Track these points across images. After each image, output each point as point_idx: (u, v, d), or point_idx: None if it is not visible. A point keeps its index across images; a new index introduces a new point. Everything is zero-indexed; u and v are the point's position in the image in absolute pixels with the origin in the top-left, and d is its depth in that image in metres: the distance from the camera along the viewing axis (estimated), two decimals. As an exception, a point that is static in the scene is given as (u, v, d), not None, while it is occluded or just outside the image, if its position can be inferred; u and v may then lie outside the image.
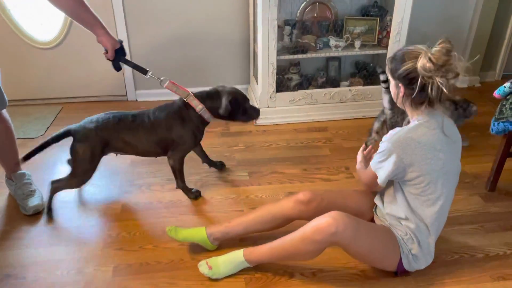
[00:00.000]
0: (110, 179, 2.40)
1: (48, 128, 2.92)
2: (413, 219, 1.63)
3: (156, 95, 3.28)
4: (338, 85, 3.06)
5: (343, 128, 2.92)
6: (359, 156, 1.89)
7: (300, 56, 2.85)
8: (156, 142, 2.11)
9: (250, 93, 3.21)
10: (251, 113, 2.17)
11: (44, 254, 1.89)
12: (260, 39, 2.71)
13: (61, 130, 2.05)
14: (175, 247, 1.92)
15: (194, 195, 2.23)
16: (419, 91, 1.48)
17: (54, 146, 2.05)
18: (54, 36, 3.04)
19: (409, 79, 1.50)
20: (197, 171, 2.44)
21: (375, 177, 1.63)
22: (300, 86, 3.03)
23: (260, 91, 2.87)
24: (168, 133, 2.08)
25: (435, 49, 1.46)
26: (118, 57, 2.03)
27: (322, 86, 3.05)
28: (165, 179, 2.36)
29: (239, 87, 3.57)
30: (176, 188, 2.24)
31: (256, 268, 1.77)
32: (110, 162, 2.46)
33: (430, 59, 1.44)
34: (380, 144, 1.60)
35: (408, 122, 1.64)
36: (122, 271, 1.81)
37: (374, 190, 1.78)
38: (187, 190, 2.24)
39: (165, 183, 2.35)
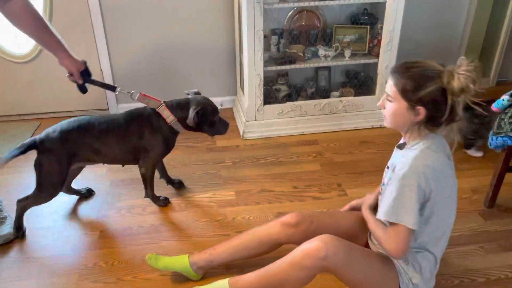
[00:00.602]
0: (88, 201, 2.26)
1: (24, 146, 2.77)
2: (413, 246, 1.51)
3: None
4: (328, 96, 2.95)
5: (334, 140, 2.80)
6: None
7: (288, 67, 2.74)
8: (128, 150, 2.04)
9: (237, 104, 3.09)
10: (218, 128, 2.10)
11: (14, 289, 1.75)
12: (245, 50, 2.59)
13: (26, 142, 1.90)
14: (156, 278, 1.78)
15: (163, 203, 2.21)
16: (449, 112, 1.34)
17: (29, 166, 1.92)
18: (30, 49, 2.89)
19: (436, 102, 1.34)
20: (180, 192, 2.31)
21: (402, 230, 1.38)
22: (289, 98, 2.91)
23: (247, 103, 2.75)
24: (139, 141, 2.01)
25: (466, 68, 1.30)
26: (83, 78, 1.92)
27: (311, 97, 2.94)
28: (147, 201, 2.23)
29: (226, 98, 3.56)
30: (145, 197, 2.19)
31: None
32: (88, 183, 2.33)
33: (465, 79, 1.29)
34: (387, 189, 1.44)
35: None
36: (98, 306, 1.67)
37: (406, 250, 1.42)
38: (155, 199, 2.21)
39: (147, 205, 2.22)
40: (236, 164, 2.57)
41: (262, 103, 2.76)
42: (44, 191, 1.95)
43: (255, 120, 2.80)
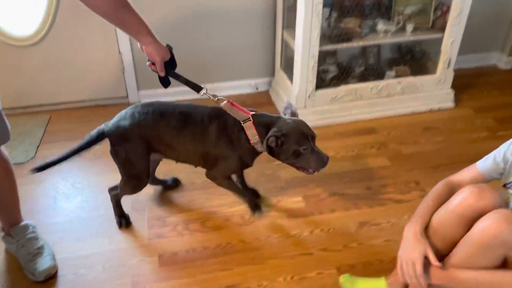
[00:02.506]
0: (134, 215, 1.91)
1: (38, 147, 2.36)
2: None
3: (163, 95, 2.73)
4: (382, 76, 2.62)
5: (393, 127, 2.50)
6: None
7: (344, 45, 2.38)
8: (202, 155, 1.69)
9: (276, 88, 2.73)
10: (308, 162, 1.61)
11: None
12: (300, 27, 2.21)
13: (93, 132, 1.70)
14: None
15: (258, 210, 1.86)
16: None
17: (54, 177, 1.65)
18: (36, 30, 2.41)
19: None
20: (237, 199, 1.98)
21: None
22: (337, 79, 2.57)
23: (297, 89, 2.40)
24: (213, 149, 1.65)
25: None
26: (167, 70, 1.54)
27: (361, 77, 2.60)
28: (205, 213, 1.90)
29: (261, 80, 3.06)
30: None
31: None
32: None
33: None
34: None
35: None
36: None
37: None
38: (250, 204, 1.86)
39: (204, 218, 1.90)
40: (292, 161, 2.25)
41: (314, 88, 2.41)
42: (129, 183, 1.74)
43: (305, 107, 2.46)
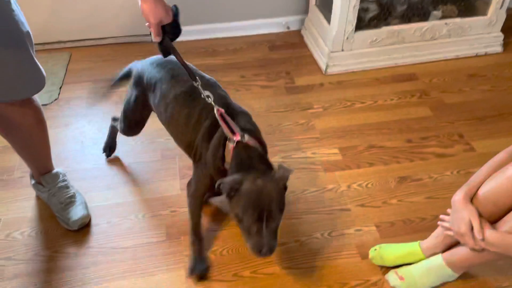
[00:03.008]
0: (165, 165, 1.85)
1: (61, 88, 2.27)
2: None
3: (190, 33, 2.59)
4: (425, 16, 2.39)
5: (435, 74, 2.33)
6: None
7: (390, -19, 2.15)
8: (188, 143, 1.44)
9: (310, 28, 2.53)
10: (247, 239, 1.25)
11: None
12: (343, -40, 1.99)
13: (125, 68, 1.66)
14: (279, 272, 1.47)
15: (198, 271, 1.44)
16: None
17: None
18: (51, -40, 2.23)
19: None
20: (272, 150, 1.90)
21: None
22: (377, 19, 2.36)
23: (334, 31, 2.21)
24: (199, 147, 1.38)
25: None
26: (165, 38, 1.27)
27: (404, 17, 2.38)
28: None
29: (293, 18, 2.77)
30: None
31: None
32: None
33: None
34: None
35: None
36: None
37: None
38: (193, 254, 1.48)
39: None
40: (327, 110, 2.12)
41: (354, 30, 2.22)
42: (121, 122, 1.69)
43: (342, 50, 2.28)
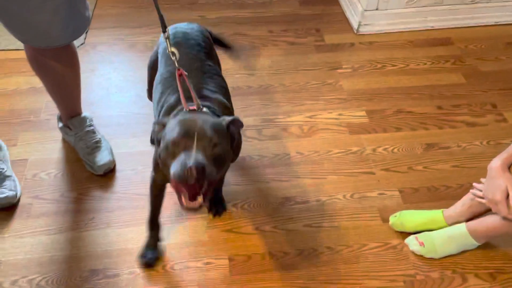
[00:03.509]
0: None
1: (87, 32, 2.24)
2: None
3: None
4: (468, -23, 2.27)
5: (472, 40, 2.23)
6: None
7: None
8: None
9: (343, -17, 2.42)
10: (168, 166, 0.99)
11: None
12: None
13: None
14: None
15: (144, 261, 1.37)
16: None
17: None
18: None
19: None
20: (295, 108, 1.86)
21: None
22: (416, -22, 2.24)
23: (371, -13, 2.11)
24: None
25: None
26: None
27: (444, -23, 2.26)
28: (261, 120, 1.81)
29: None
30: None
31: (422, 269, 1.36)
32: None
33: None
34: None
35: None
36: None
37: None
38: (149, 243, 1.39)
39: (261, 126, 1.81)
40: (357, 71, 2.06)
41: (391, -12, 2.12)
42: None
43: (377, 9, 2.19)
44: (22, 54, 1.45)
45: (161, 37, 1.43)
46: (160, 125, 1.05)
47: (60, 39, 1.30)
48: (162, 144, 1.01)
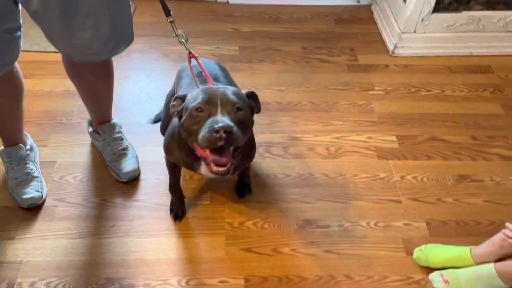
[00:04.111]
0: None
1: (123, 39, 2.28)
2: None
3: (255, -3, 2.51)
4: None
5: (513, 69, 2.16)
6: None
7: (481, -39, 1.96)
8: None
9: (382, 4, 2.37)
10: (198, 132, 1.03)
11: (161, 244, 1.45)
12: None
13: None
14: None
15: (174, 212, 1.51)
16: None
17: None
18: None
19: None
20: (324, 128, 1.83)
21: None
22: (456, 2, 2.17)
23: (410, 10, 2.06)
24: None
25: None
26: None
27: (487, 3, 2.18)
28: (288, 137, 1.80)
29: None
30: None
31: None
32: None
33: None
34: None
35: None
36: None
37: None
38: (175, 201, 1.53)
39: (288, 144, 1.79)
40: (389, 93, 2.02)
41: (431, 11, 2.06)
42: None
43: (414, 32, 2.14)
44: (60, 57, 1.49)
45: (179, 70, 1.47)
46: (179, 99, 1.10)
47: (100, 55, 1.33)
48: (185, 114, 1.04)
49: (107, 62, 1.43)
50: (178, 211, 1.52)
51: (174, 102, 1.11)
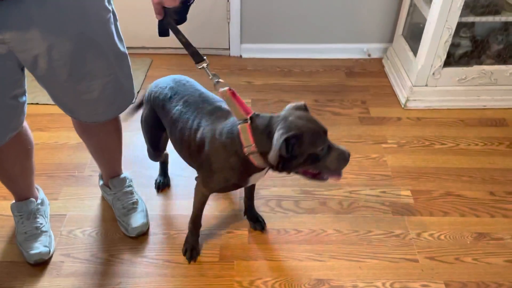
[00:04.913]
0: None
1: (138, 92, 2.34)
2: None
3: (265, 51, 2.58)
4: (525, 58, 2.20)
5: (529, 122, 2.13)
6: None
7: (490, 18, 1.99)
8: (189, 148, 1.35)
9: (393, 57, 2.42)
10: (329, 163, 1.18)
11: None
12: (440, -8, 1.87)
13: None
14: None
15: (189, 254, 1.52)
16: None
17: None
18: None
19: None
20: (339, 184, 1.80)
21: None
22: (469, 57, 2.19)
23: (420, 64, 2.08)
24: (198, 155, 1.32)
25: None
26: (167, 18, 1.24)
27: (499, 57, 2.20)
28: (300, 191, 1.77)
29: (375, 46, 2.69)
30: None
31: None
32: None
33: None
34: None
35: None
36: None
37: None
38: (189, 238, 1.54)
39: (300, 198, 1.76)
40: (402, 147, 2.00)
41: (442, 65, 2.08)
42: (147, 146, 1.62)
43: (426, 85, 2.15)
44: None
45: (147, 94, 1.50)
46: (294, 137, 1.12)
47: (106, 115, 1.35)
48: (304, 149, 1.14)
49: (115, 118, 1.45)
50: (193, 251, 1.53)
51: (292, 140, 1.12)
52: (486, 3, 1.96)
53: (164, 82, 1.46)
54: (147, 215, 1.63)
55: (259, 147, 1.16)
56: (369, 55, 2.59)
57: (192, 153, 1.33)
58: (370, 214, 1.69)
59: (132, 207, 1.61)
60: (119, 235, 1.60)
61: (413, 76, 2.14)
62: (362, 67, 2.55)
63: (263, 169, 1.25)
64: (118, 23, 1.27)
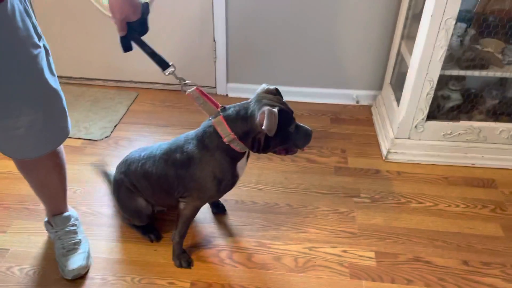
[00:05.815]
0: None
1: (116, 126, 2.32)
2: None
3: (251, 91, 2.47)
4: (519, 116, 2.05)
5: (519, 185, 1.96)
6: None
7: (476, 72, 1.88)
8: (166, 190, 1.50)
9: (380, 106, 2.32)
10: (297, 140, 1.39)
11: None
12: (420, 43, 1.78)
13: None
14: None
15: (186, 263, 1.57)
16: None
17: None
18: (134, 6, 2.35)
19: None
20: (297, 235, 1.69)
21: None
22: (458, 111, 2.07)
23: (402, 115, 1.98)
24: (179, 173, 1.43)
25: None
26: (131, 33, 1.27)
27: (491, 113, 2.07)
28: (255, 243, 1.66)
29: (364, 93, 2.62)
30: (171, 239, 1.58)
31: None
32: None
33: None
34: None
35: None
36: None
37: None
38: (178, 252, 1.58)
39: (254, 250, 1.65)
40: (376, 202, 1.87)
41: (425, 118, 1.96)
42: (131, 219, 1.68)
43: (408, 138, 2.03)
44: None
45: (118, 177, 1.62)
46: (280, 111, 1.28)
47: (36, 151, 1.31)
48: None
49: (54, 154, 1.41)
50: (188, 259, 1.58)
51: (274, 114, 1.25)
52: (472, 57, 1.85)
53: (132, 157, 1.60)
54: (88, 257, 1.55)
55: (237, 133, 1.31)
56: (357, 101, 2.49)
57: (171, 184, 1.45)
58: (325, 275, 1.55)
59: (73, 247, 1.54)
60: (56, 276, 1.53)
61: (395, 127, 2.02)
62: (350, 114, 2.45)
63: (244, 153, 1.39)
64: (51, 58, 1.25)
